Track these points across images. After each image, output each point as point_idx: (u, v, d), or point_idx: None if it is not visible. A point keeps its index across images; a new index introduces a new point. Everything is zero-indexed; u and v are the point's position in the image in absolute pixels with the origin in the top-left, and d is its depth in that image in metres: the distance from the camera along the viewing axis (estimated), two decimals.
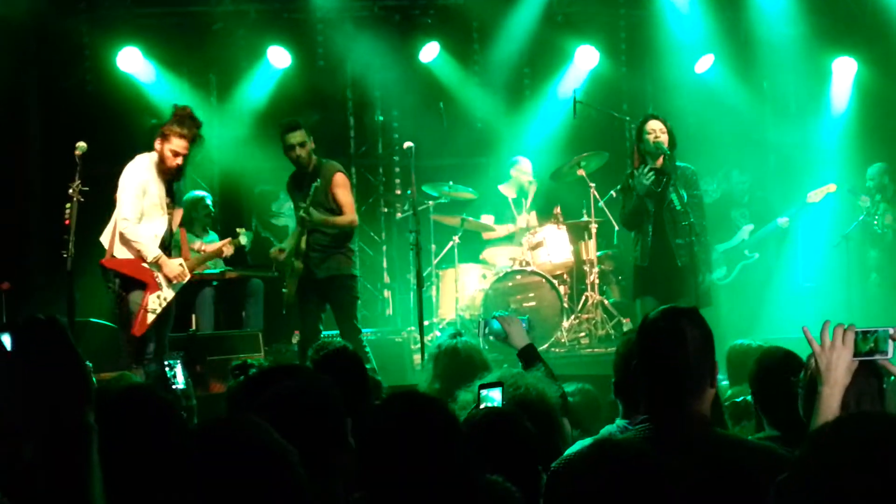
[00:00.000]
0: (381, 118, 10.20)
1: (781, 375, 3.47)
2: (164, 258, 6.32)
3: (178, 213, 6.66)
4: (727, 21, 10.00)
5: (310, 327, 7.01)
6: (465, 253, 8.88)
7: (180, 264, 6.47)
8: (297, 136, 6.94)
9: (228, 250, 7.47)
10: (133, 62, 9.37)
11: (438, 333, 8.29)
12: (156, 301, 6.35)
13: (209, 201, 8.55)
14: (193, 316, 7.87)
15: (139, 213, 6.26)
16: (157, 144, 6.25)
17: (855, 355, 2.39)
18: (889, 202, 8.87)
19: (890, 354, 2.39)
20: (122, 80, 9.31)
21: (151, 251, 6.30)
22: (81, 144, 6.15)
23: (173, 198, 6.49)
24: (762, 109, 10.40)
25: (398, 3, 10.02)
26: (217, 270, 8.35)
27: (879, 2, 9.76)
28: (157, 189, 6.29)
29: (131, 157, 6.50)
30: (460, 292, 8.63)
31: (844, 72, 10.06)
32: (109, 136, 7.85)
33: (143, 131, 9.17)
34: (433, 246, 8.79)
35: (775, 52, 9.94)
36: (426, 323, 7.52)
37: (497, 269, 8.63)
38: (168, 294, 6.41)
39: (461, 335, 4.49)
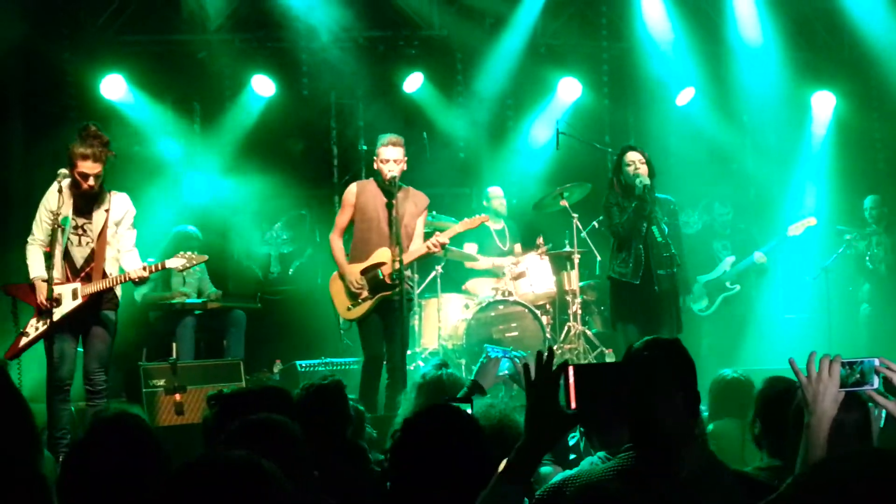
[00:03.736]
0: (364, 147, 10.21)
1: (783, 405, 3.47)
2: (38, 282, 6.07)
3: (120, 236, 6.33)
4: (708, 55, 10.11)
5: (378, 346, 6.99)
6: (448, 283, 8.88)
7: (50, 289, 5.96)
8: (401, 152, 6.95)
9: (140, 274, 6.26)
10: (116, 89, 9.37)
11: (421, 363, 8.26)
12: (32, 326, 6.16)
13: (196, 234, 8.49)
14: (174, 345, 7.81)
15: (40, 234, 6.17)
16: (67, 170, 6.10)
17: (841, 386, 2.39)
18: (882, 234, 8.96)
19: (876, 385, 2.39)
20: (106, 107, 9.27)
21: (31, 271, 6.18)
22: (63, 171, 6.09)
23: (91, 218, 6.24)
24: (742, 142, 10.50)
25: (383, 33, 10.08)
26: (199, 300, 8.31)
27: (857, 37, 9.92)
28: (65, 213, 6.09)
29: (113, 184, 6.45)
30: (443, 322, 8.63)
31: (823, 106, 10.20)
32: None
33: (125, 159, 9.19)
34: (416, 275, 8.78)
35: (755, 85, 10.07)
36: (409, 352, 7.49)
37: (480, 299, 8.63)
38: (48, 320, 5.96)
39: (447, 367, 4.44)
